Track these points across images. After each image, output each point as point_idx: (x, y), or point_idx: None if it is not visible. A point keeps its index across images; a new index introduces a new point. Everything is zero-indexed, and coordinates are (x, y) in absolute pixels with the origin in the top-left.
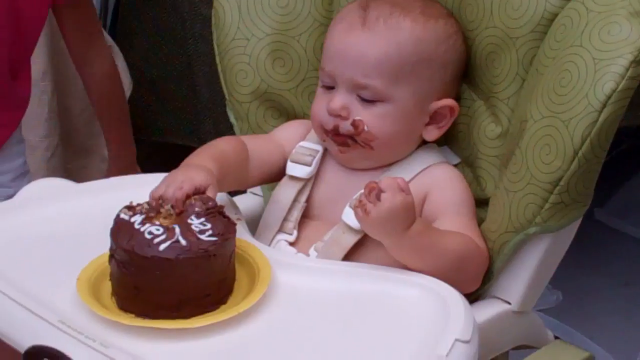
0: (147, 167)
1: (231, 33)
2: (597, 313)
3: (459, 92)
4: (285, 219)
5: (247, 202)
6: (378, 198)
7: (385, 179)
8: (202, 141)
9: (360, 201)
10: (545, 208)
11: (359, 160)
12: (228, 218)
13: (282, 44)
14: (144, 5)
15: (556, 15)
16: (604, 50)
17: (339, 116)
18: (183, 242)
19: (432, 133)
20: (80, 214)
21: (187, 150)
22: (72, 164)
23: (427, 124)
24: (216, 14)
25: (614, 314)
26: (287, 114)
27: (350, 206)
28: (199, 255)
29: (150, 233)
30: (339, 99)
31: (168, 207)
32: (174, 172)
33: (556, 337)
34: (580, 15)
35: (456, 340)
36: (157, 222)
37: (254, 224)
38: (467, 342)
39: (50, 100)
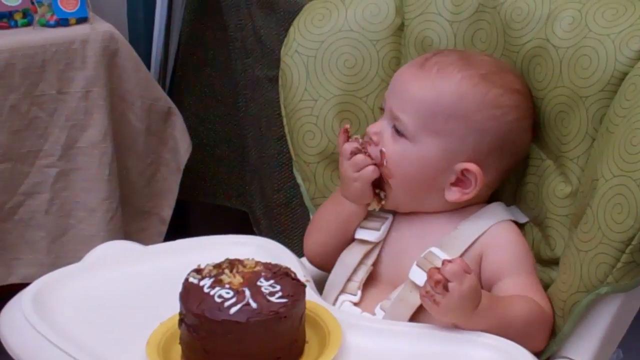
0: (198, 231)
1: (299, 94)
2: None
3: (502, 168)
4: (349, 280)
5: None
6: (445, 288)
7: (447, 265)
8: (249, 205)
9: (427, 292)
10: (617, 267)
11: (390, 201)
12: (297, 279)
13: (349, 104)
14: (198, 66)
15: (626, 74)
16: None
17: (371, 139)
18: (253, 304)
19: (454, 195)
20: (147, 277)
21: (237, 213)
22: (131, 226)
23: (453, 184)
24: (283, 75)
25: None
26: None
27: (417, 265)
28: (270, 317)
29: (220, 296)
30: (378, 125)
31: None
32: None
33: None
34: None
35: None
36: (227, 285)
37: (321, 286)
38: None
39: (110, 162)
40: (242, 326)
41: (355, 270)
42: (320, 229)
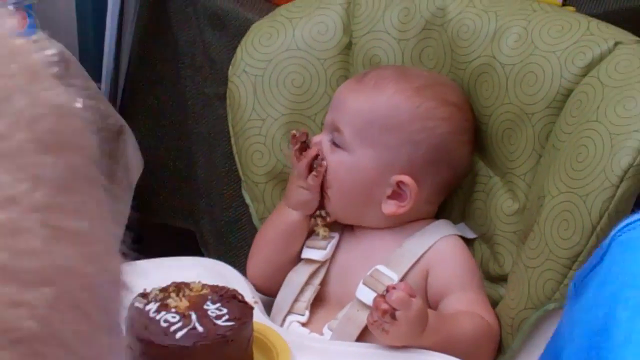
0: (151, 251)
1: (247, 113)
2: None
3: (440, 182)
4: (297, 300)
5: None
6: (393, 317)
7: (392, 292)
8: (197, 224)
9: (375, 321)
10: (565, 283)
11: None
12: (244, 302)
13: (297, 123)
14: (148, 84)
15: (572, 90)
16: (620, 124)
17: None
18: (200, 328)
19: (390, 208)
20: None
21: (189, 234)
22: None
23: (389, 197)
24: (231, 95)
25: None
26: None
27: (364, 283)
28: (217, 341)
29: (166, 321)
30: (319, 136)
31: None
32: None
33: None
34: (595, 90)
35: None
36: (173, 310)
37: (270, 307)
38: None
39: None
40: (189, 350)
41: (302, 290)
42: (262, 248)
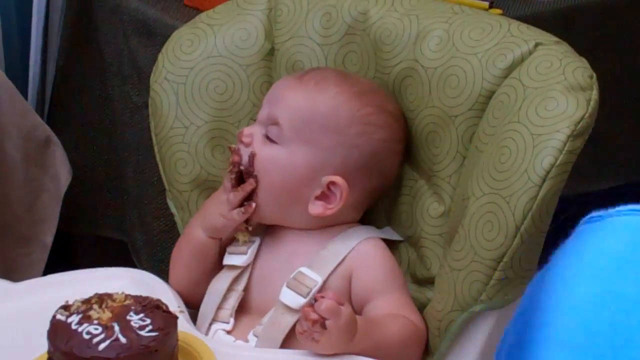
0: (84, 261)
1: (169, 122)
2: None
3: (369, 189)
4: (220, 307)
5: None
6: (323, 326)
7: (321, 302)
8: (128, 234)
9: (305, 331)
10: (490, 285)
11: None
12: (168, 312)
13: (221, 130)
14: (75, 94)
15: (493, 92)
16: (541, 125)
17: (241, 141)
18: (123, 339)
19: (317, 209)
20: (15, 316)
21: (121, 244)
22: (13, 252)
23: (317, 198)
24: (153, 103)
25: None
26: None
27: (287, 286)
28: (140, 351)
29: (88, 333)
30: (250, 127)
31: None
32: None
33: None
34: (517, 92)
35: None
36: (96, 321)
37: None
38: None
39: None
40: None
41: (225, 297)
42: (178, 264)
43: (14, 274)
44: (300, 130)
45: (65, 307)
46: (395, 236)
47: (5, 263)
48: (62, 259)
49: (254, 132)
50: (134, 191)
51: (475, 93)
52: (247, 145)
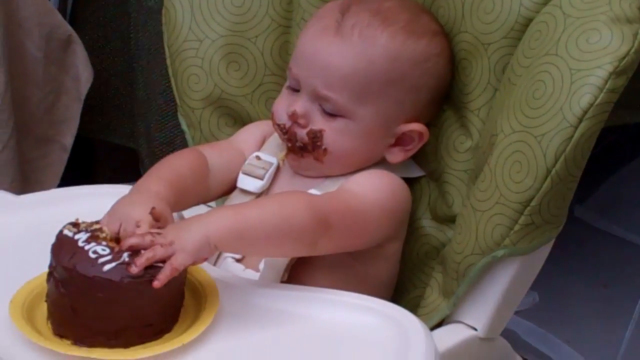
0: (102, 168)
1: (183, 34)
2: (575, 315)
3: (434, 115)
4: None
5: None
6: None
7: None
8: (138, 144)
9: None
10: (515, 230)
11: (308, 170)
12: None
13: (237, 46)
14: None
15: (531, 20)
16: (581, 59)
17: (297, 123)
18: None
19: (397, 155)
20: (18, 229)
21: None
22: (32, 154)
23: (392, 146)
24: (167, 13)
25: (591, 316)
26: (242, 122)
27: None
28: (146, 280)
29: (95, 252)
30: (301, 106)
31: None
32: (121, 204)
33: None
34: (557, 21)
35: None
36: (104, 242)
37: None
38: None
39: (3, 92)
40: (115, 285)
41: None
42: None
43: (32, 176)
44: (362, 95)
45: (74, 224)
46: (416, 171)
47: (24, 165)
48: (80, 164)
49: (308, 111)
50: (143, 99)
51: (511, 19)
52: (305, 127)
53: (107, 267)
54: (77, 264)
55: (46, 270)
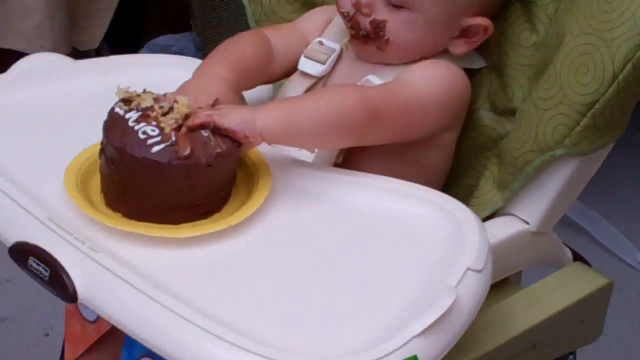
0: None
1: None
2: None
3: (500, 9)
4: None
5: (256, 93)
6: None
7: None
8: None
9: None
10: (576, 130)
11: (370, 56)
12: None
13: None
14: None
15: None
16: None
17: (360, 12)
18: (178, 147)
19: (460, 47)
20: (75, 96)
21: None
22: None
23: (456, 37)
24: None
25: None
26: None
27: None
28: (193, 164)
29: (144, 133)
30: None
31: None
32: (192, 82)
33: (575, 258)
34: None
35: (468, 269)
36: (154, 122)
37: None
38: (479, 271)
39: None
40: (162, 167)
41: None
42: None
43: (82, 22)
44: None
45: (125, 101)
46: (479, 62)
47: (74, 10)
48: (129, 12)
49: (372, 0)
50: None
51: None
52: (368, 15)
53: (155, 149)
54: (127, 144)
55: (100, 139)
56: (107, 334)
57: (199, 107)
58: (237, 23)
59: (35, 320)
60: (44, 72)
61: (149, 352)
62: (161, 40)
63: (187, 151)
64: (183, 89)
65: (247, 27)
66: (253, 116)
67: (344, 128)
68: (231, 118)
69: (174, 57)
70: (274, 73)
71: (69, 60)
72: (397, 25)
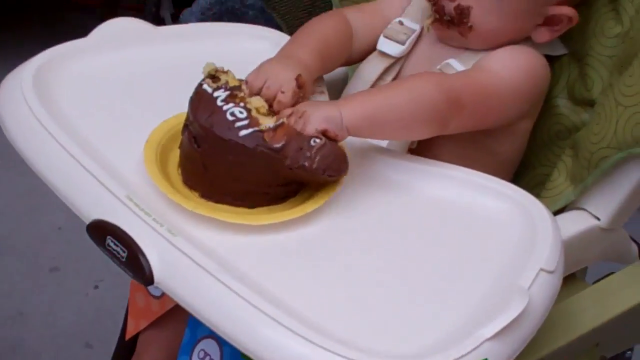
0: None
1: None
2: None
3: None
4: None
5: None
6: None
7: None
8: None
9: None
10: None
11: (451, 40)
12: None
13: None
14: None
15: None
16: None
17: None
18: (266, 133)
19: (543, 35)
20: (155, 63)
21: None
22: None
23: (540, 25)
24: None
25: None
26: None
27: None
28: (278, 150)
29: (232, 114)
30: None
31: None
32: (270, 64)
33: None
34: None
35: (541, 270)
36: (242, 104)
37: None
38: (552, 272)
39: None
40: (248, 151)
41: (373, 86)
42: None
43: None
44: None
45: (214, 78)
46: (559, 47)
47: None
48: None
49: None
50: None
51: None
52: (453, 1)
53: (243, 133)
54: (215, 125)
55: (180, 109)
56: (171, 310)
57: (282, 91)
58: None
59: (85, 271)
60: (125, 37)
61: (212, 333)
62: None
63: (280, 144)
64: (259, 70)
65: None
66: (339, 112)
67: (426, 118)
68: (316, 114)
69: (256, 28)
70: (354, 54)
71: (149, 26)
72: (481, 12)
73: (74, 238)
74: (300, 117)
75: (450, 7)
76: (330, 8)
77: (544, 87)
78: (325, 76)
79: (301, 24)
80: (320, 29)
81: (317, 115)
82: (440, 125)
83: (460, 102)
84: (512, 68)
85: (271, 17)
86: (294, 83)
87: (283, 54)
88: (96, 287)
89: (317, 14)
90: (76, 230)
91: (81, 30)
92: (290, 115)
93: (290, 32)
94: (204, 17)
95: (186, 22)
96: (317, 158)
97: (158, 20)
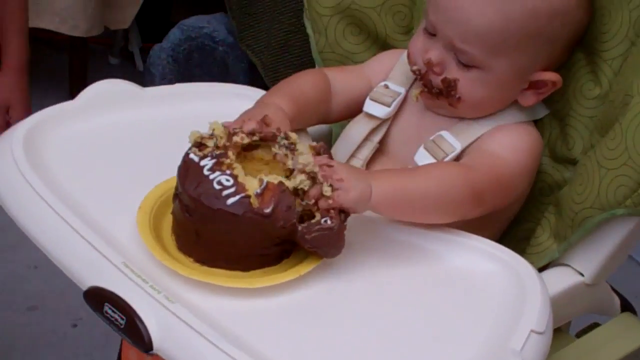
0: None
1: None
2: None
3: (567, 60)
4: (353, 156)
5: (316, 131)
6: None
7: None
8: None
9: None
10: (638, 192)
11: (441, 109)
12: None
13: None
14: None
15: None
16: None
17: (432, 70)
18: (253, 200)
19: (529, 99)
20: (144, 124)
21: None
22: None
23: (525, 89)
24: None
25: None
26: (368, 32)
27: (424, 148)
28: (267, 214)
29: (219, 183)
30: (437, 54)
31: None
32: (249, 110)
33: (623, 309)
34: None
35: (531, 331)
36: (228, 171)
37: None
38: (542, 333)
39: None
40: (237, 219)
41: (360, 147)
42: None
43: (113, 2)
44: (498, 49)
45: (199, 146)
46: (540, 108)
47: None
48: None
49: (443, 59)
50: None
51: None
52: (439, 74)
53: (230, 201)
54: (203, 195)
55: (170, 172)
56: None
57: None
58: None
59: (64, 309)
60: (112, 100)
61: None
62: (192, 21)
63: (269, 209)
64: (242, 116)
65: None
66: (370, 192)
67: (449, 209)
68: (349, 196)
69: (242, 88)
70: (333, 113)
71: (135, 87)
72: (468, 83)
73: (51, 277)
74: (336, 180)
75: (437, 80)
76: (305, 40)
77: (541, 158)
78: (310, 132)
79: (276, 60)
80: (298, 82)
81: (353, 196)
82: (459, 216)
83: (483, 198)
84: (516, 151)
85: (241, 53)
86: (262, 117)
87: (260, 101)
88: (75, 325)
89: (290, 51)
90: (53, 269)
91: (49, 65)
92: (322, 172)
93: (264, 70)
94: (175, 53)
95: (157, 57)
96: (315, 235)
97: (126, 55)
